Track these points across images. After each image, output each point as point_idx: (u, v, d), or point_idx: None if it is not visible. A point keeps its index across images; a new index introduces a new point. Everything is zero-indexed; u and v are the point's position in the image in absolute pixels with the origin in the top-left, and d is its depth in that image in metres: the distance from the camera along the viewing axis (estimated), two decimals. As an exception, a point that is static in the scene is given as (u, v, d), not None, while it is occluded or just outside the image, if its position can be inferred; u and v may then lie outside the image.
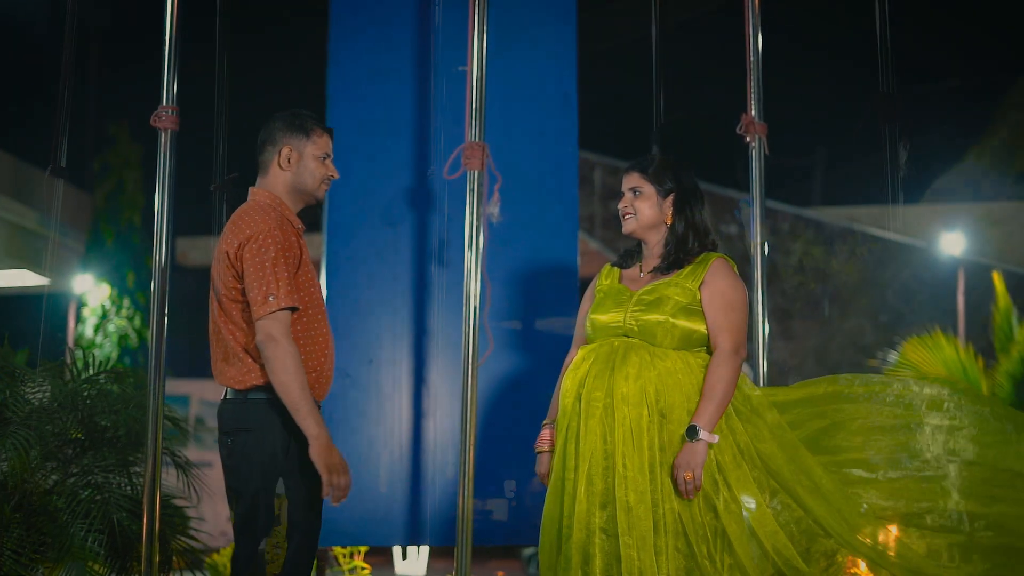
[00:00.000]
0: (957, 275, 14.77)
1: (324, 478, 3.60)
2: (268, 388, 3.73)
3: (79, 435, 5.02)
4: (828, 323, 15.60)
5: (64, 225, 15.16)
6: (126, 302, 15.18)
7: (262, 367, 3.73)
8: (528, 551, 13.68)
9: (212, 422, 18.14)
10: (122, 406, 5.01)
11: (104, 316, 15.07)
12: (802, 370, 15.09)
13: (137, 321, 15.16)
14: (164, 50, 4.61)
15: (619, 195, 4.09)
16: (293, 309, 3.71)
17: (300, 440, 3.68)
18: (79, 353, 5.38)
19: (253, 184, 4.00)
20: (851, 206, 17.08)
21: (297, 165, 3.93)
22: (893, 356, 10.04)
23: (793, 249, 15.65)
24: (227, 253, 3.77)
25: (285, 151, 3.92)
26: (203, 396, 17.80)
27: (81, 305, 15.13)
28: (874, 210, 16.69)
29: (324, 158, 3.98)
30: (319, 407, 3.80)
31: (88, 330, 14.97)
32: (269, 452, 3.69)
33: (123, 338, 15.01)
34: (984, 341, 12.36)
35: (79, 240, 15.55)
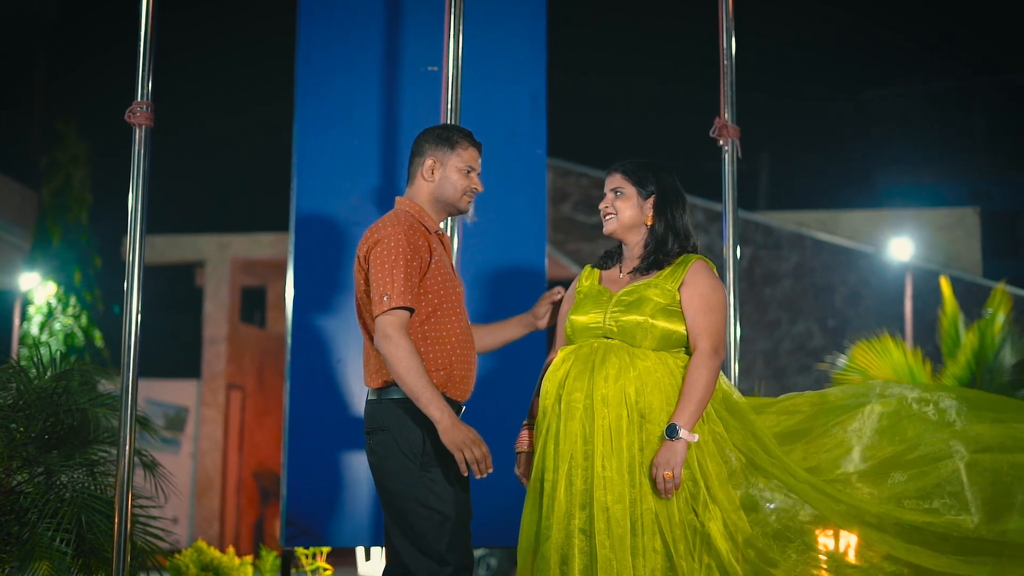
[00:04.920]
0: (905, 280, 14.98)
1: (457, 456, 3.72)
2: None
3: (44, 433, 4.95)
4: (777, 327, 15.75)
5: (9, 222, 14.94)
6: (72, 300, 14.98)
7: None
8: (478, 552, 13.67)
9: (157, 421, 17.94)
10: (89, 404, 4.95)
11: (50, 314, 14.86)
12: (751, 373, 15.22)
13: (83, 319, 14.98)
14: (139, 45, 4.55)
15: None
16: (409, 310, 3.82)
17: (434, 433, 3.78)
18: (44, 351, 5.31)
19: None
20: (799, 210, 17.25)
21: (440, 176, 4.05)
22: (842, 360, 10.17)
23: (742, 253, 15.79)
24: (359, 257, 3.95)
25: (429, 162, 4.05)
26: (148, 395, 17.62)
27: (26, 303, 14.91)
28: (822, 214, 16.88)
29: (468, 171, 4.08)
30: (462, 407, 3.98)
31: (34, 328, 14.76)
32: (405, 450, 3.82)
33: (69, 336, 14.81)
34: (931, 345, 12.56)
35: (24, 238, 15.33)
